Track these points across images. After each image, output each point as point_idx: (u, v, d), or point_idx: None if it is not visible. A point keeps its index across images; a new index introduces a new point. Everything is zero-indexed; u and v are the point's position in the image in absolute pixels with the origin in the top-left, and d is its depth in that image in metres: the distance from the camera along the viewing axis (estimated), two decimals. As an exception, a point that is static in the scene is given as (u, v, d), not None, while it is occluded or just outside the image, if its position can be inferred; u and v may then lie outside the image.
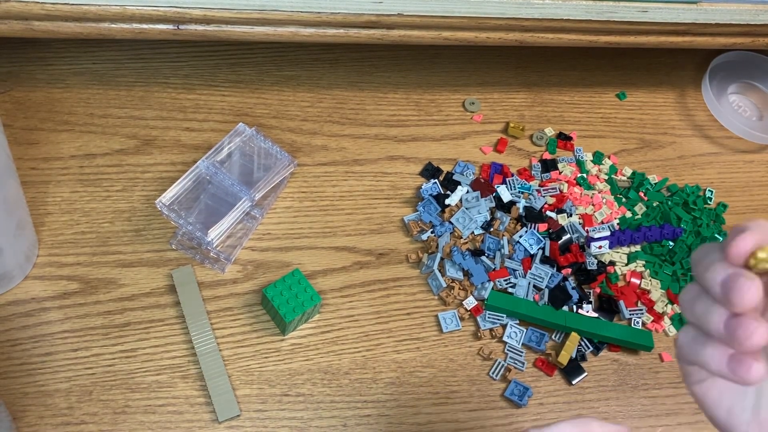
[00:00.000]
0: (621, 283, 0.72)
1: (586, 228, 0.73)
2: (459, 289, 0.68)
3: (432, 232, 0.70)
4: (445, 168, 0.75)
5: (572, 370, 0.66)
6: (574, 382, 0.66)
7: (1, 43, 0.73)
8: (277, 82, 0.78)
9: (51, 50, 0.75)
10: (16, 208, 0.57)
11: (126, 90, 0.74)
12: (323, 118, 0.77)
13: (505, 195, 0.73)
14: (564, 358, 0.65)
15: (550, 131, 0.81)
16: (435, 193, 0.73)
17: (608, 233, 0.72)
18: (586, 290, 0.70)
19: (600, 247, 0.71)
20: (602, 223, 0.74)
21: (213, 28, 0.64)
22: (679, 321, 0.71)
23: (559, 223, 0.73)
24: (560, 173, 0.77)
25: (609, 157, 0.80)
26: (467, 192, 0.73)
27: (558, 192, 0.75)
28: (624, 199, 0.77)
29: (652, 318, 0.70)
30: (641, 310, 0.70)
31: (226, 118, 0.74)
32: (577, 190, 0.76)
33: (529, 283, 0.68)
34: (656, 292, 0.71)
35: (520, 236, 0.70)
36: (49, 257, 0.64)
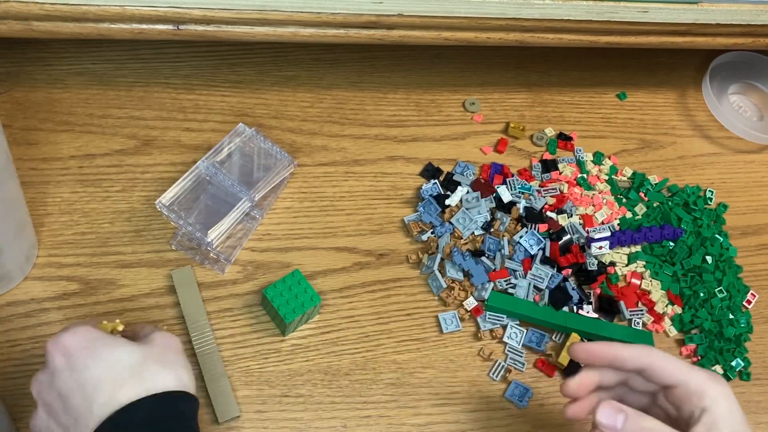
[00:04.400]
0: (621, 284, 0.72)
1: (586, 228, 0.73)
2: (459, 289, 0.68)
3: (432, 233, 0.70)
4: (446, 168, 0.75)
5: (573, 370, 0.66)
6: (574, 383, 0.66)
7: (0, 43, 0.73)
8: (277, 82, 0.78)
9: (50, 50, 0.75)
10: (15, 209, 0.57)
11: (126, 90, 0.74)
12: (323, 119, 0.77)
13: (506, 195, 0.73)
14: (564, 359, 0.65)
15: (550, 131, 0.81)
16: (435, 194, 0.72)
17: (608, 234, 0.72)
18: (586, 291, 0.70)
19: (600, 248, 0.71)
20: (602, 223, 0.74)
21: (213, 28, 0.64)
22: (679, 321, 0.71)
23: (560, 223, 0.72)
24: (560, 174, 0.77)
25: (609, 158, 0.80)
26: (467, 192, 0.73)
27: (558, 192, 0.75)
28: (624, 200, 0.77)
29: (652, 319, 0.70)
30: (642, 310, 0.70)
31: (226, 119, 0.74)
32: (577, 190, 0.76)
33: (530, 284, 0.68)
34: (657, 292, 0.71)
35: (521, 237, 0.70)
36: (48, 258, 0.64)
